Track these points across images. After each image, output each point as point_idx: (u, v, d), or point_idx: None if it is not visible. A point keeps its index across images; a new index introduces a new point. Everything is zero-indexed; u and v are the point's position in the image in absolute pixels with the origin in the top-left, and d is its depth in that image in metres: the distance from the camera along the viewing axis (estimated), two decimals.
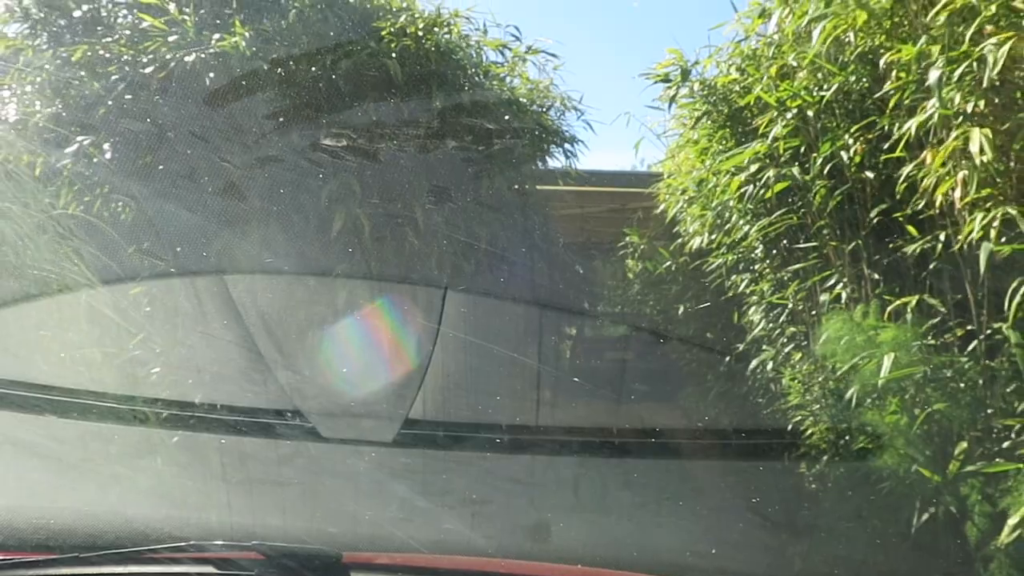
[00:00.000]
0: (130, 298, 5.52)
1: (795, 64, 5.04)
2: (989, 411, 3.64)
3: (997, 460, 3.46)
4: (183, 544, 2.36)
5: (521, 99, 6.41)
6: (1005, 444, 3.52)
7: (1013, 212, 3.27)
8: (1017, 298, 3.37)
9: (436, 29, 5.49)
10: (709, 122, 5.96)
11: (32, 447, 4.50)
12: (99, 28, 5.49)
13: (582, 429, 6.79)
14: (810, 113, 4.82)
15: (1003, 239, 3.47)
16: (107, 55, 5.23)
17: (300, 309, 6.09)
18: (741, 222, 5.95)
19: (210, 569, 2.21)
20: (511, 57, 6.59)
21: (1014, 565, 3.25)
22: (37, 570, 2.25)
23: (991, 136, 3.23)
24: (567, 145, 7.31)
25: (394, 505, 5.22)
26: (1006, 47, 3.15)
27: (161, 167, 4.67)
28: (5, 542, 2.55)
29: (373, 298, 6.28)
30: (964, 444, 3.69)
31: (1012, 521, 3.20)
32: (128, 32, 5.21)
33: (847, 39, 4.47)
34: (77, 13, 5.70)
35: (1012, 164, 3.34)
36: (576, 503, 5.78)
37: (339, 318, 6.21)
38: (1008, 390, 3.57)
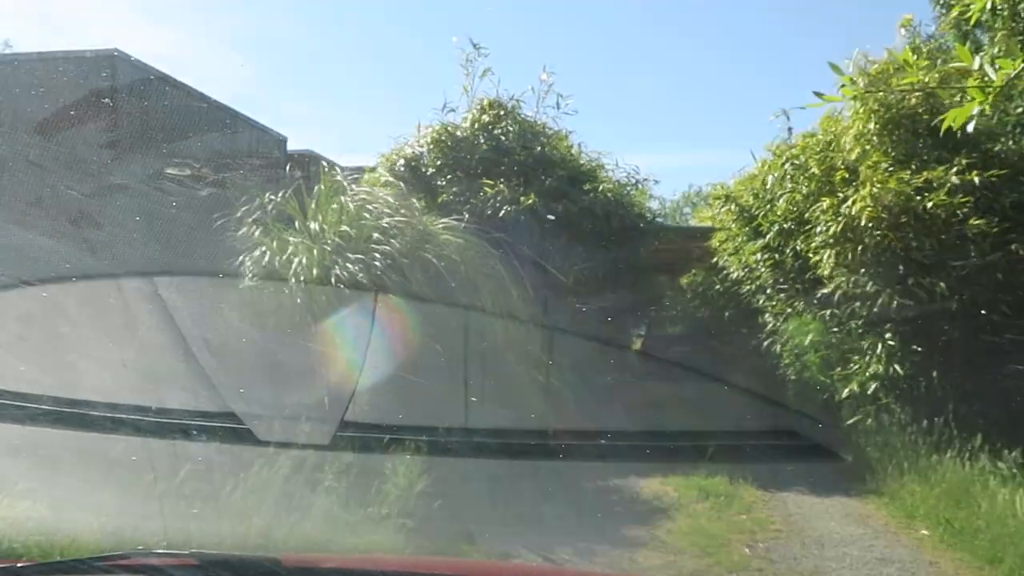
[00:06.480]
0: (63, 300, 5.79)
1: (779, 199, 10.94)
2: (845, 353, 9.55)
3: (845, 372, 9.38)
4: (118, 554, 2.26)
5: (646, 212, 12.77)
6: (850, 367, 9.41)
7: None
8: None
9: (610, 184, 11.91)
10: (740, 221, 11.92)
11: None
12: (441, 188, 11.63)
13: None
14: (785, 226, 10.74)
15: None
16: (451, 200, 11.35)
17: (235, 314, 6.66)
18: (760, 267, 11.84)
19: None
20: (634, 181, 12.83)
21: (848, 407, 9.18)
22: None
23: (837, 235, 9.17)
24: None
25: (331, 507, 5.49)
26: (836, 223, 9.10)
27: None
28: None
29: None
30: (838, 368, 9.59)
31: (846, 392, 9.14)
32: (465, 189, 11.34)
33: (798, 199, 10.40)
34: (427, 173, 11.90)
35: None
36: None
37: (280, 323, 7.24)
38: (852, 345, 9.49)
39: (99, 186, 8.83)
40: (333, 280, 7.59)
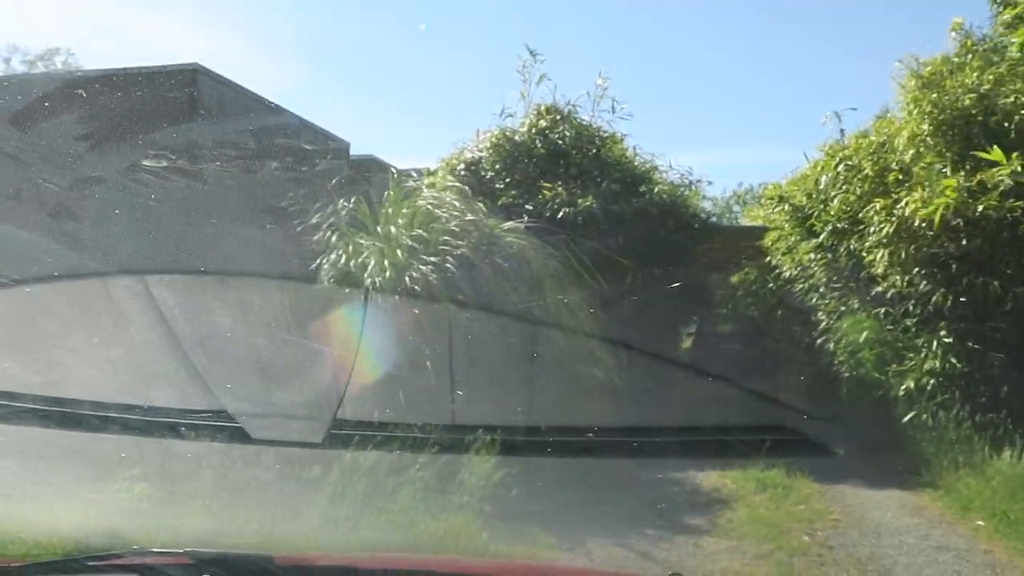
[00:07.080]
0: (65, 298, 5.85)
1: (833, 200, 11.15)
2: (900, 350, 9.75)
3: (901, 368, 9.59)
4: (112, 553, 2.29)
5: (699, 212, 13.07)
6: (906, 364, 9.61)
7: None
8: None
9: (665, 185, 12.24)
10: (793, 221, 12.15)
11: None
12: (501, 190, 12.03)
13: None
14: (839, 226, 10.94)
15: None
16: (510, 203, 11.73)
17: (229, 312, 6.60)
18: (813, 266, 12.06)
19: None
20: (688, 182, 13.12)
21: (904, 403, 9.39)
22: None
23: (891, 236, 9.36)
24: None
25: (326, 505, 5.51)
26: (890, 223, 9.29)
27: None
28: None
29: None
30: (894, 364, 9.79)
31: (902, 389, 9.35)
32: (524, 192, 11.72)
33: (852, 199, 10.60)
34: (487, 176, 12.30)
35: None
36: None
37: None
38: (907, 343, 9.68)
39: (184, 197, 9.36)
40: (407, 281, 8.02)
